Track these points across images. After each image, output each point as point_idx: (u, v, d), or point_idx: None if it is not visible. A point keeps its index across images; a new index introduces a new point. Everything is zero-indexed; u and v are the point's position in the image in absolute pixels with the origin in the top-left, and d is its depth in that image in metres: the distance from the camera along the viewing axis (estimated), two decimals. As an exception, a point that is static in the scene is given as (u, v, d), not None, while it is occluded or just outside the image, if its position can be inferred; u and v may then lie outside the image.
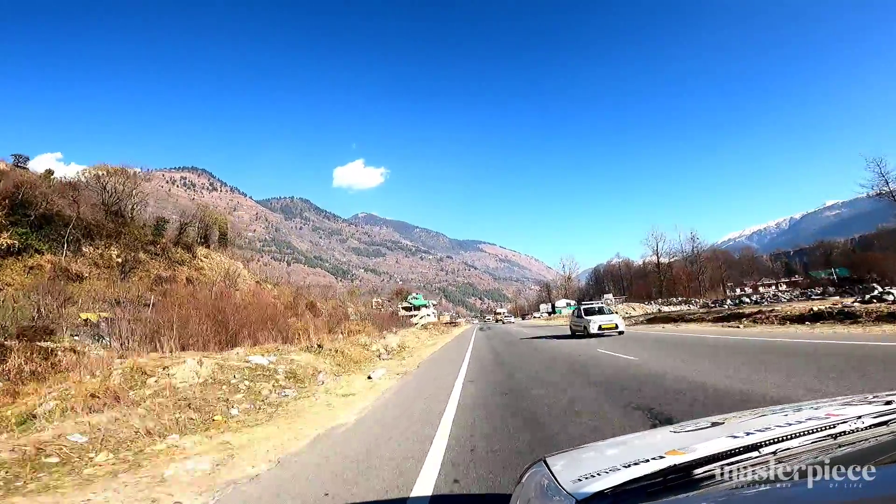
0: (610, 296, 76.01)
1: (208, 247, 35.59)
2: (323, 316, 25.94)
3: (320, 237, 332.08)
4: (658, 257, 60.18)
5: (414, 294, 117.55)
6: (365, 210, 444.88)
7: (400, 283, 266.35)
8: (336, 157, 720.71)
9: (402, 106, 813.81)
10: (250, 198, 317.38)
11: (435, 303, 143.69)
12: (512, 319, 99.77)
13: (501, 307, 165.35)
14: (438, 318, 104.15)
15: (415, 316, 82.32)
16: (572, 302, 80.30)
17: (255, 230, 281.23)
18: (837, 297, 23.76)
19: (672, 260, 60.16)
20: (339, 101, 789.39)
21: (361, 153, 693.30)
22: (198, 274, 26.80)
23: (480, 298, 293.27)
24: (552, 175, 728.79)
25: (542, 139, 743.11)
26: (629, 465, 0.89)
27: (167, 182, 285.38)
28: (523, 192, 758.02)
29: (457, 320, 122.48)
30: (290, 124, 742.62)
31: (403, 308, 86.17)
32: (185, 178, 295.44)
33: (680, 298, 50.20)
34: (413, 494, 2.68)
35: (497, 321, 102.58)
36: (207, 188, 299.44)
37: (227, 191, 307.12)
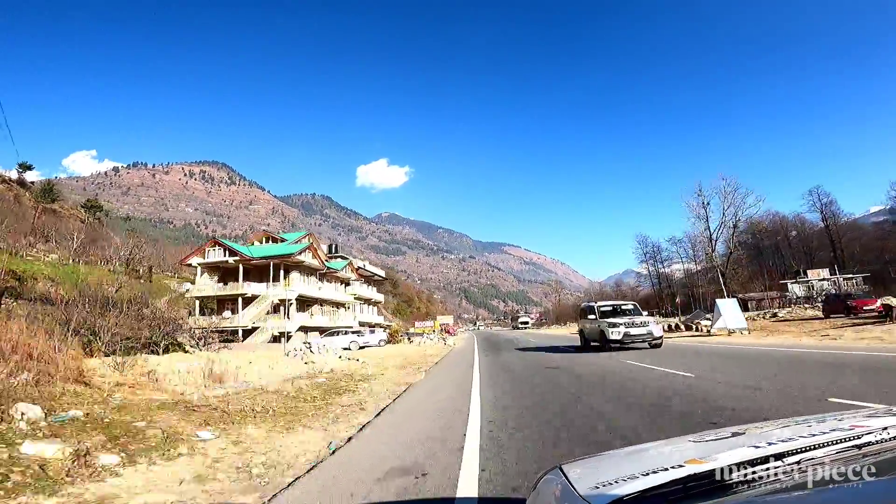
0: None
1: None
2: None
3: (339, 234, 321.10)
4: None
5: (281, 233, 52.08)
6: (389, 210, 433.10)
7: (418, 281, 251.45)
8: (359, 156, 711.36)
9: (426, 103, 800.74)
10: (269, 192, 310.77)
11: (379, 274, 63.16)
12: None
13: (526, 312, 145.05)
14: (398, 329, 42.21)
15: (243, 313, 31.16)
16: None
17: (268, 224, 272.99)
18: None
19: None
20: (362, 99, 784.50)
21: (385, 152, 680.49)
22: None
23: (504, 301, 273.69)
24: (583, 176, 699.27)
25: (570, 140, 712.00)
26: (647, 474, 0.84)
27: (185, 175, 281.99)
28: (551, 193, 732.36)
29: (451, 331, 47.48)
30: (314, 120, 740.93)
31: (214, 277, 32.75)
32: (205, 171, 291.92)
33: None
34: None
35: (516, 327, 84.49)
36: (226, 182, 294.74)
37: (245, 185, 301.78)
